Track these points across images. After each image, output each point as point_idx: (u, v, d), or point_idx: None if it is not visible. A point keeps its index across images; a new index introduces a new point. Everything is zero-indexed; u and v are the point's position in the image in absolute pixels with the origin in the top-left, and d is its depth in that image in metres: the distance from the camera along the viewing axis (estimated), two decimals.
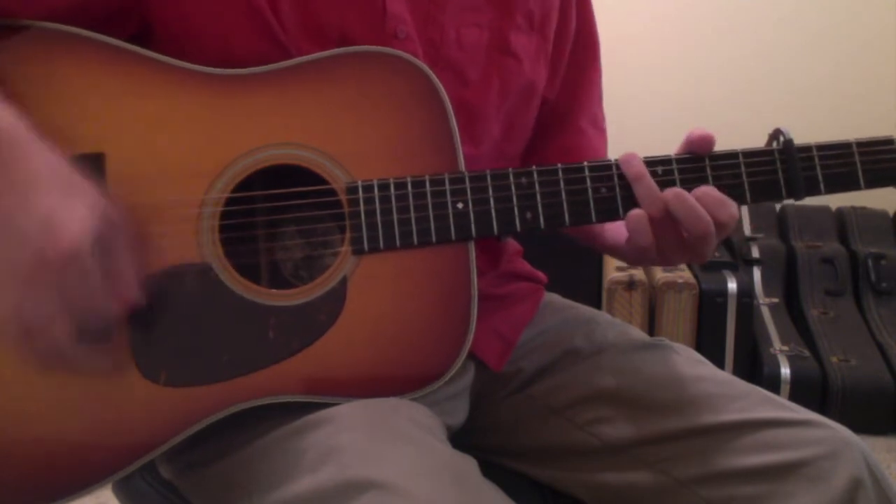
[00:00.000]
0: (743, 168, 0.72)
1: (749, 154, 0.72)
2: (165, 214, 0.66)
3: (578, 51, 0.91)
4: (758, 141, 0.75)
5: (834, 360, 2.10)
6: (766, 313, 2.27)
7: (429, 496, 0.55)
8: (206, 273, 0.67)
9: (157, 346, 0.66)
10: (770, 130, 0.75)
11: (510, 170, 0.71)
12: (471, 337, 0.68)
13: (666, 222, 0.70)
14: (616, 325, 0.88)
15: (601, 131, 0.96)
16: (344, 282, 0.68)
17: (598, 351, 0.83)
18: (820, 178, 0.73)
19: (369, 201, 0.68)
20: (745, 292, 2.08)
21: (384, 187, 0.68)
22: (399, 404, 0.66)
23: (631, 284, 2.07)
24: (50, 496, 0.64)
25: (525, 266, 0.94)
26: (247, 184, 0.68)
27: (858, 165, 0.73)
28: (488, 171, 0.70)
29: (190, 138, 0.68)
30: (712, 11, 2.54)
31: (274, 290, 0.68)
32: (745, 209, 2.41)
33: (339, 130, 0.69)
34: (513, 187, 0.70)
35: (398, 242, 0.68)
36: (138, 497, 0.81)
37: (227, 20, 0.70)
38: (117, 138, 0.67)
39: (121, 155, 0.67)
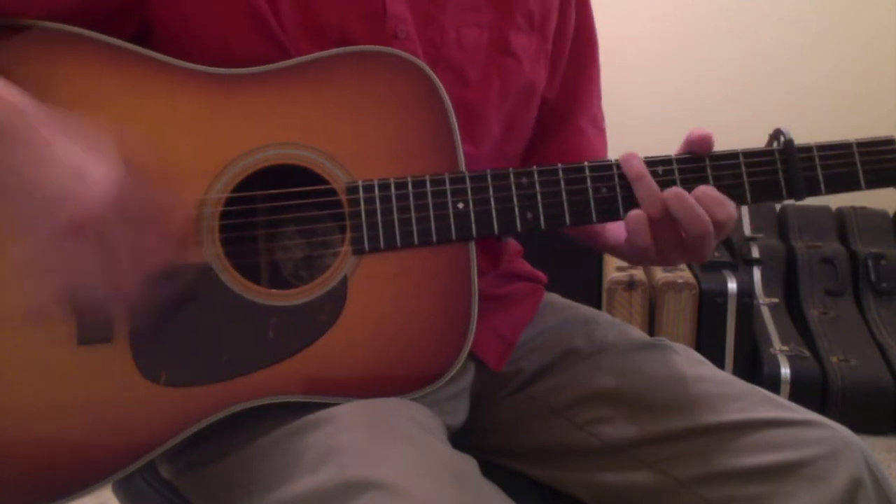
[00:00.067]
0: (743, 168, 0.72)
1: (749, 154, 0.72)
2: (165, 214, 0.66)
3: (578, 50, 0.91)
4: (758, 141, 0.75)
5: (834, 360, 2.10)
6: (766, 313, 2.27)
7: (429, 496, 0.55)
8: (206, 273, 0.67)
9: (157, 346, 0.66)
10: (770, 130, 0.75)
11: (511, 170, 0.71)
12: (471, 337, 0.68)
13: (665, 222, 0.70)
14: (616, 325, 0.88)
15: (601, 131, 0.96)
16: (344, 282, 0.68)
17: (598, 351, 0.84)
18: (820, 178, 0.73)
19: (370, 201, 0.68)
20: (745, 292, 2.08)
21: (384, 187, 0.68)
22: (399, 404, 0.66)
23: (631, 284, 2.07)
24: (50, 496, 0.64)
25: (525, 266, 0.94)
26: (247, 184, 0.68)
27: (859, 166, 0.73)
28: (489, 171, 0.70)
29: (190, 138, 0.68)
30: (712, 11, 2.54)
31: (274, 290, 0.68)
32: (745, 209, 2.41)
33: (339, 130, 0.69)
34: (513, 187, 0.70)
35: (399, 242, 0.68)
36: (138, 497, 0.81)
37: (227, 20, 0.70)
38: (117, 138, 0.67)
39: (121, 154, 0.67)
